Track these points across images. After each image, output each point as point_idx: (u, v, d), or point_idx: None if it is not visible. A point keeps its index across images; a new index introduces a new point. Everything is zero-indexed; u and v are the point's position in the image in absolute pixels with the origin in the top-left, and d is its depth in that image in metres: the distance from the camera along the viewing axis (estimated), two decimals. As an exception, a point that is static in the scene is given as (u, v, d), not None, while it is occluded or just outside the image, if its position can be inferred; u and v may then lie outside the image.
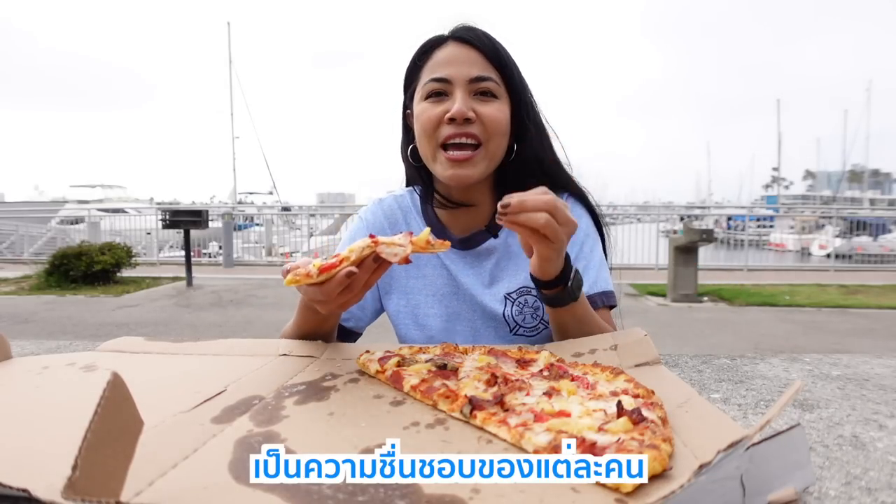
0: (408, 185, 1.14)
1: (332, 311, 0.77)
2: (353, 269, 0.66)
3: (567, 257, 0.81)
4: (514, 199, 0.72)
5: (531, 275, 0.83)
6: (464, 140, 0.93)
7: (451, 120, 0.92)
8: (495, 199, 1.03)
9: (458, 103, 0.92)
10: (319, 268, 0.67)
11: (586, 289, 0.96)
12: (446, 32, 0.98)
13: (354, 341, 1.04)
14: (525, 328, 1.01)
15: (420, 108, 0.96)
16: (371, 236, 0.68)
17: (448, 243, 0.69)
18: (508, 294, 1.01)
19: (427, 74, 0.96)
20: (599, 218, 1.07)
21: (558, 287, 0.81)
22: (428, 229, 0.68)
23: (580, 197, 1.06)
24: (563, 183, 1.05)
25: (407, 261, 0.65)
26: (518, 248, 1.04)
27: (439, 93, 0.94)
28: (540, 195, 0.73)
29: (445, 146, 0.94)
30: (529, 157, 1.00)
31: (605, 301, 0.98)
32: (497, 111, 0.94)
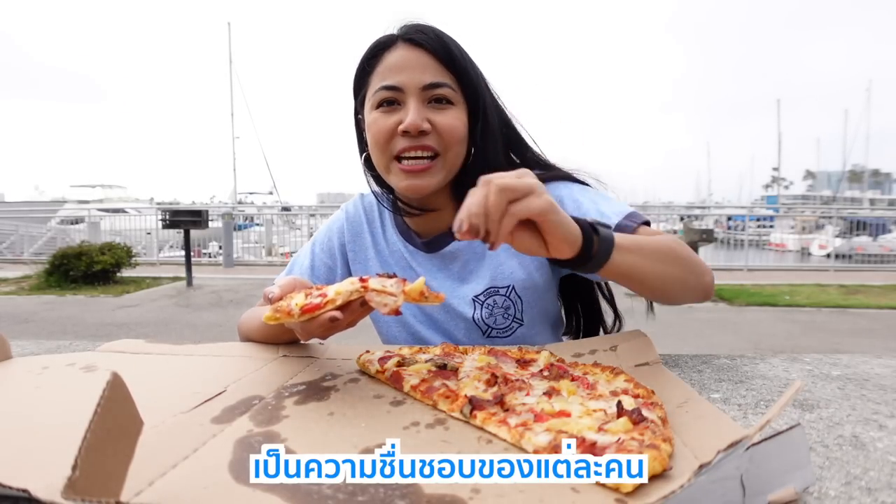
0: (376, 187, 1.05)
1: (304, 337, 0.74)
2: (337, 314, 0.63)
3: (567, 215, 0.68)
4: (469, 225, 0.60)
5: (559, 261, 0.70)
6: (419, 153, 0.88)
7: (405, 132, 0.87)
8: (456, 202, 0.97)
9: (411, 115, 0.86)
10: (302, 307, 0.63)
11: (615, 219, 0.86)
12: (395, 31, 0.92)
13: None
14: (497, 330, 0.97)
15: (371, 117, 0.91)
16: (361, 279, 0.63)
17: (443, 296, 0.63)
18: (476, 297, 0.97)
19: (377, 81, 0.90)
20: (576, 178, 0.98)
21: (593, 246, 0.69)
22: (422, 279, 0.63)
23: (550, 175, 0.97)
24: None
25: (397, 312, 0.61)
26: (482, 248, 1.00)
27: (391, 101, 0.89)
28: (478, 197, 0.60)
29: (400, 158, 0.90)
30: (487, 159, 0.93)
31: (635, 220, 0.87)
32: (453, 119, 0.89)
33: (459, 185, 0.96)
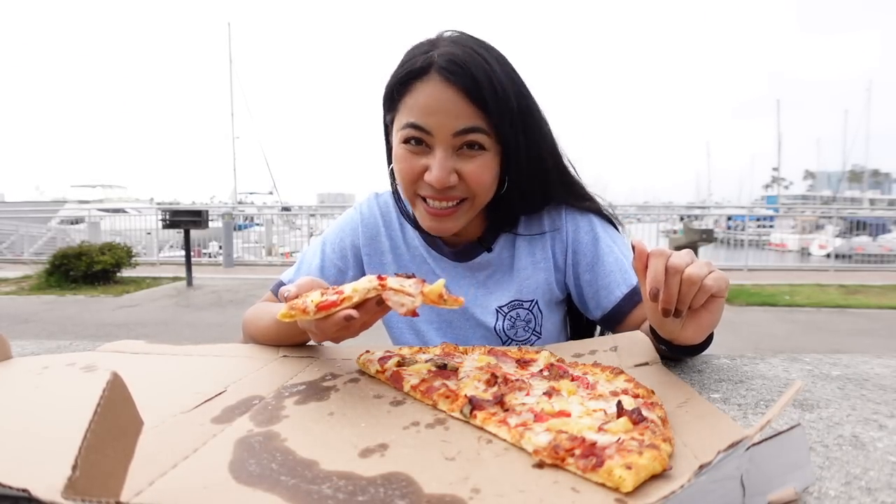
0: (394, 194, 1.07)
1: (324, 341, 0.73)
2: (353, 313, 0.61)
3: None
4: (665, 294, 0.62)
5: (677, 346, 0.71)
6: (445, 204, 0.87)
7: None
8: (485, 220, 1.00)
9: (437, 170, 0.83)
10: (317, 305, 0.62)
11: (634, 281, 0.92)
12: (432, 41, 0.87)
13: None
14: (516, 341, 0.98)
15: (399, 151, 0.87)
16: (379, 277, 0.62)
17: (462, 300, 0.62)
18: (500, 308, 0.99)
19: (406, 114, 0.84)
20: (607, 215, 1.02)
21: (708, 341, 0.73)
22: (442, 281, 0.62)
23: (583, 206, 0.99)
24: (562, 199, 0.99)
25: (414, 314, 0.60)
26: (511, 261, 1.00)
27: (419, 141, 0.85)
28: (682, 262, 0.63)
29: (425, 198, 0.88)
30: (522, 190, 0.93)
31: None
32: (481, 168, 0.85)
33: (490, 210, 0.96)
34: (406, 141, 0.86)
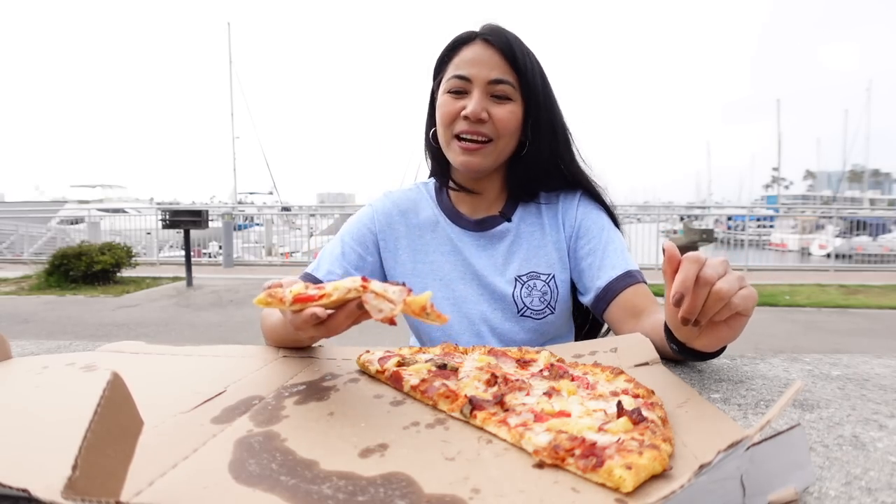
0: (431, 174, 1.19)
1: (306, 340, 0.72)
2: (319, 312, 0.58)
3: None
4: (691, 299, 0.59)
5: (689, 349, 0.71)
6: (476, 137, 1.00)
7: (467, 118, 0.99)
8: (506, 188, 1.11)
9: (473, 104, 0.98)
10: (295, 295, 0.58)
11: (630, 267, 1.01)
12: (477, 29, 1.03)
13: None
14: (532, 311, 1.04)
15: (442, 99, 1.03)
16: (363, 278, 0.58)
17: (446, 318, 0.57)
18: (518, 276, 1.05)
19: (452, 69, 1.02)
20: (614, 215, 1.11)
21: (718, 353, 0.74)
22: (429, 293, 0.57)
23: (593, 195, 1.11)
24: (575, 181, 1.10)
25: (392, 322, 0.56)
26: (529, 232, 1.09)
27: (460, 90, 1.01)
28: (714, 271, 0.59)
29: (459, 137, 1.01)
30: (539, 153, 1.05)
31: (641, 277, 1.01)
32: (508, 113, 1.00)
33: (510, 175, 1.10)
34: (450, 91, 1.02)
